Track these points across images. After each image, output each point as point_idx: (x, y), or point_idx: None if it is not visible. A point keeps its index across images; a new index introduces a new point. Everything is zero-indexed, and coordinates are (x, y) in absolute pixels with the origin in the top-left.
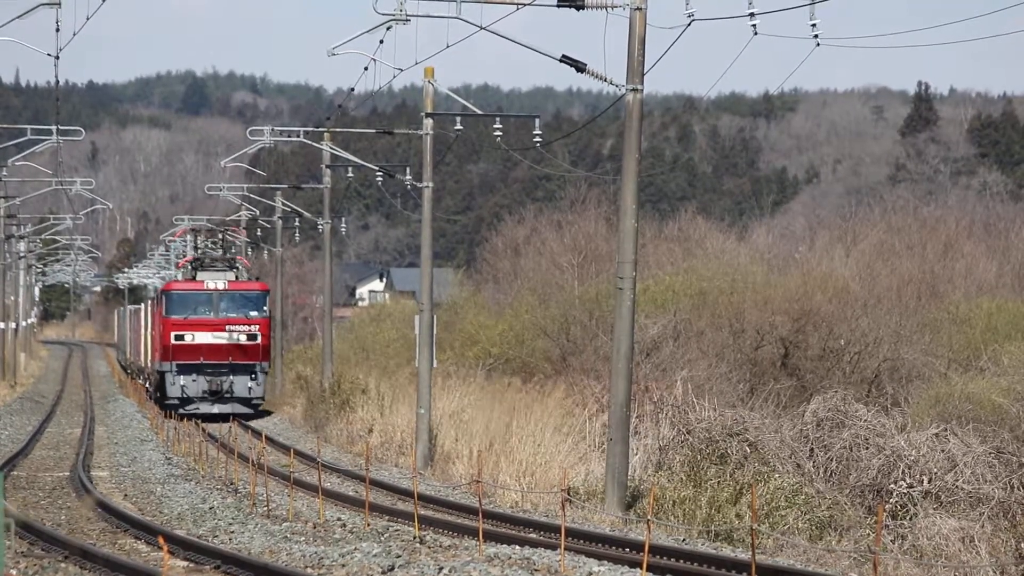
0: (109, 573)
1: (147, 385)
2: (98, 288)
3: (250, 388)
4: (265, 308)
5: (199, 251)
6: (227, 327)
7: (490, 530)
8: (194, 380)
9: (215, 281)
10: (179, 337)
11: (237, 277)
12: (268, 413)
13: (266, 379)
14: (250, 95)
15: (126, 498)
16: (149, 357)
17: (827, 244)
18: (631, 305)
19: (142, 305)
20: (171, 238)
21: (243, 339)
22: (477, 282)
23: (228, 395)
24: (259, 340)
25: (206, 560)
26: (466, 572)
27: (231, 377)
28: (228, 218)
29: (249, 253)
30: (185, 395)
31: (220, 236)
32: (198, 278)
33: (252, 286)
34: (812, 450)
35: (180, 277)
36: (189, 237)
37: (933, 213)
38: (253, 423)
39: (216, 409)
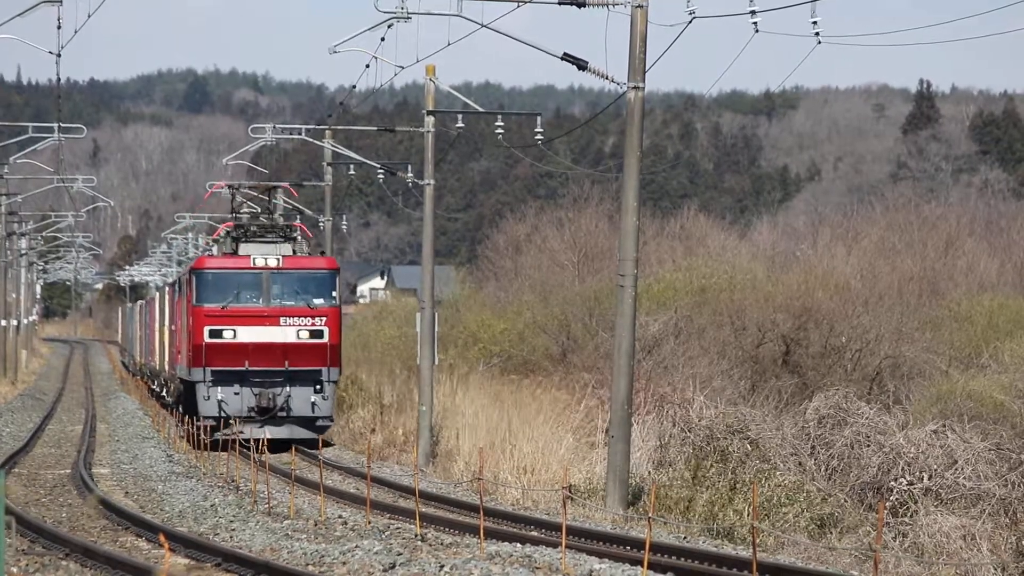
0: (110, 571)
1: (164, 394)
2: (99, 286)
3: (314, 404)
4: (334, 294)
5: (242, 206)
6: (282, 319)
7: (491, 528)
8: (236, 393)
9: (265, 256)
10: (216, 333)
11: (295, 251)
12: None
13: (335, 392)
14: (252, 93)
15: (127, 495)
16: (170, 360)
17: (828, 242)
18: (632, 302)
19: (156, 294)
20: (204, 198)
21: (305, 336)
22: (478, 280)
23: (283, 413)
24: (326, 337)
25: (207, 558)
26: (467, 570)
27: (288, 389)
28: (232, 215)
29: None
30: (224, 413)
31: (268, 195)
32: (241, 252)
33: (316, 263)
34: (813, 448)
35: (216, 251)
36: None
37: (934, 211)
38: None
39: (268, 433)
